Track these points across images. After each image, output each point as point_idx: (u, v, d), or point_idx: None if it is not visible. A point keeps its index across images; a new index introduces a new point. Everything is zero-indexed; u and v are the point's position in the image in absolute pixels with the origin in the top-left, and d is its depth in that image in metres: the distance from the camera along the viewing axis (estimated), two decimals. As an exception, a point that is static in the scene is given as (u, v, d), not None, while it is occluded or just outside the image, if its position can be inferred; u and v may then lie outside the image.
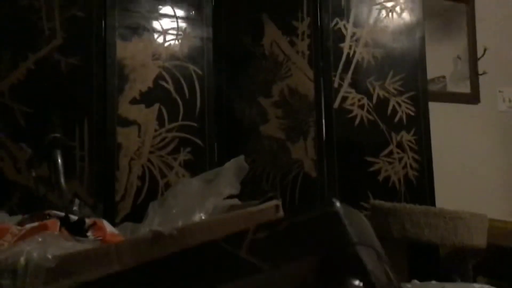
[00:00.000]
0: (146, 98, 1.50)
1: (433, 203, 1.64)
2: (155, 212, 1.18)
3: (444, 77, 2.35)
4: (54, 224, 0.82)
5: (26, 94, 1.36)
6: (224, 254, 0.60)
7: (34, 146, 1.30)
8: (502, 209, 2.23)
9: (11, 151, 1.32)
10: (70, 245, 0.69)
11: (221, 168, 1.19)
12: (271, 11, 1.64)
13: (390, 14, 1.70)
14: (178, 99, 1.54)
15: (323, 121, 1.56)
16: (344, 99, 1.60)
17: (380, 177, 1.61)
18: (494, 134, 2.42)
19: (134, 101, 1.48)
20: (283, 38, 1.62)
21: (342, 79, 1.60)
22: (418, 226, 1.33)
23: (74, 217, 0.91)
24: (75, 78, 1.42)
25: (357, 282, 0.54)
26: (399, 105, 1.66)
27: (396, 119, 1.65)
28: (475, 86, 2.39)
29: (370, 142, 1.62)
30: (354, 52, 1.63)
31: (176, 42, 1.57)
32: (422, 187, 1.65)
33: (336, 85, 1.59)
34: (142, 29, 1.52)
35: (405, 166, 1.64)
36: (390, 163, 1.62)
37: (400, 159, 1.64)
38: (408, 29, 1.72)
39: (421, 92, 1.70)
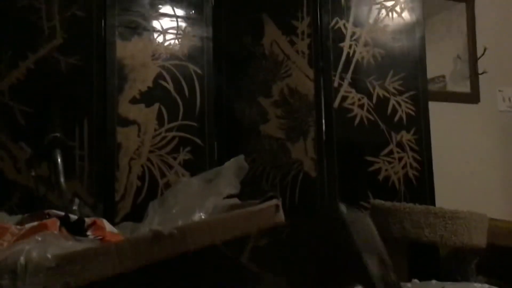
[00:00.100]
0: (146, 98, 1.49)
1: (433, 203, 1.64)
2: (155, 211, 1.18)
3: (444, 76, 2.35)
4: (53, 224, 0.82)
5: (26, 93, 1.36)
6: (225, 259, 0.60)
7: (34, 145, 1.30)
8: (502, 209, 2.23)
9: (11, 150, 1.32)
10: (69, 245, 0.69)
11: (221, 168, 1.19)
12: (271, 10, 1.64)
13: (390, 13, 1.70)
14: (178, 99, 1.54)
15: (323, 120, 1.57)
16: (344, 98, 1.60)
17: (380, 177, 1.61)
18: (494, 134, 2.42)
19: (134, 101, 1.48)
20: (283, 38, 1.62)
21: (342, 78, 1.60)
22: (418, 226, 1.33)
23: (74, 217, 0.91)
24: (75, 78, 1.41)
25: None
26: (399, 104, 1.66)
27: (396, 118, 1.65)
28: (475, 85, 2.39)
29: (370, 141, 1.62)
30: (354, 51, 1.63)
31: (176, 41, 1.57)
32: (422, 187, 1.65)
33: (336, 84, 1.59)
34: (142, 29, 1.52)
35: (405, 166, 1.64)
36: (390, 162, 1.62)
37: (400, 159, 1.64)
38: (408, 29, 1.72)
39: (421, 91, 1.70)
